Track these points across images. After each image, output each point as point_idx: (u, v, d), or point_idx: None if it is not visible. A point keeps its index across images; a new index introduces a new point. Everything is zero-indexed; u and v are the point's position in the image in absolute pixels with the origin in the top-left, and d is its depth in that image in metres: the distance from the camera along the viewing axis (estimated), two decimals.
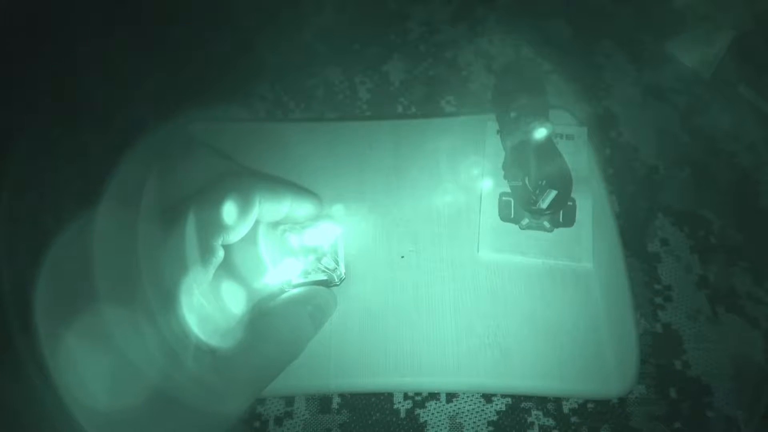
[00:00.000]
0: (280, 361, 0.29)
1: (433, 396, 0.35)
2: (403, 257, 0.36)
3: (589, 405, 0.35)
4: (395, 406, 0.35)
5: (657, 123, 0.45)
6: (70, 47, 0.45)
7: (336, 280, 0.33)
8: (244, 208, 0.28)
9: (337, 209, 0.37)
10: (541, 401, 0.35)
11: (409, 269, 0.36)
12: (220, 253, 0.27)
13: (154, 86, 0.44)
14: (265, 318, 0.29)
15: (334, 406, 0.35)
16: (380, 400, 0.35)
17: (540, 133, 0.35)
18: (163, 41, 0.46)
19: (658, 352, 0.36)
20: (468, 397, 0.35)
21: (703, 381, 0.35)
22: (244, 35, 0.49)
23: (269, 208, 0.30)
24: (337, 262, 0.33)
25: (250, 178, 0.29)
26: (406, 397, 0.35)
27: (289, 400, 0.35)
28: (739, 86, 0.46)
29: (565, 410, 0.35)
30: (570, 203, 0.36)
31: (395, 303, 0.35)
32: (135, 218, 0.26)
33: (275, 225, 0.33)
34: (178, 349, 0.24)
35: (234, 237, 0.28)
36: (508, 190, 0.37)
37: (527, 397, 0.35)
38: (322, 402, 0.35)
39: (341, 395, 0.35)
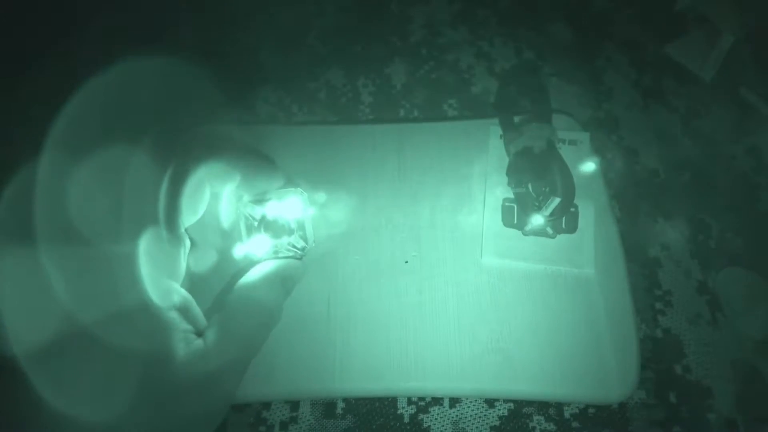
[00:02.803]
0: (261, 332, 0.30)
1: (437, 401, 0.35)
2: (407, 262, 0.37)
3: (590, 410, 0.35)
4: (399, 411, 0.35)
5: (658, 126, 0.45)
6: (71, 51, 0.44)
7: (304, 256, 0.33)
8: (195, 192, 0.28)
9: (319, 196, 0.37)
10: (542, 406, 0.35)
11: (412, 274, 0.36)
12: (188, 241, 0.27)
13: (156, 89, 0.44)
14: (242, 293, 0.29)
15: (339, 411, 0.35)
16: (384, 405, 0.35)
17: (544, 139, 0.35)
18: (164, 44, 0.46)
19: (658, 357, 0.36)
20: (471, 402, 0.35)
21: (704, 384, 0.36)
22: (245, 37, 0.48)
23: (221, 185, 0.30)
24: (306, 240, 0.33)
25: (198, 157, 0.29)
26: (409, 402, 0.35)
27: (294, 405, 0.35)
28: (739, 90, 0.46)
29: (566, 415, 0.35)
30: (572, 209, 0.36)
31: (399, 308, 0.35)
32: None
33: (239, 197, 0.32)
34: (170, 342, 0.25)
35: (192, 218, 0.28)
36: (512, 195, 0.37)
37: (529, 403, 0.35)
38: (326, 407, 0.35)
39: (345, 400, 0.35)
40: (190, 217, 0.28)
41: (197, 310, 0.28)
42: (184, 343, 0.25)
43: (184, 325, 0.26)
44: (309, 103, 0.46)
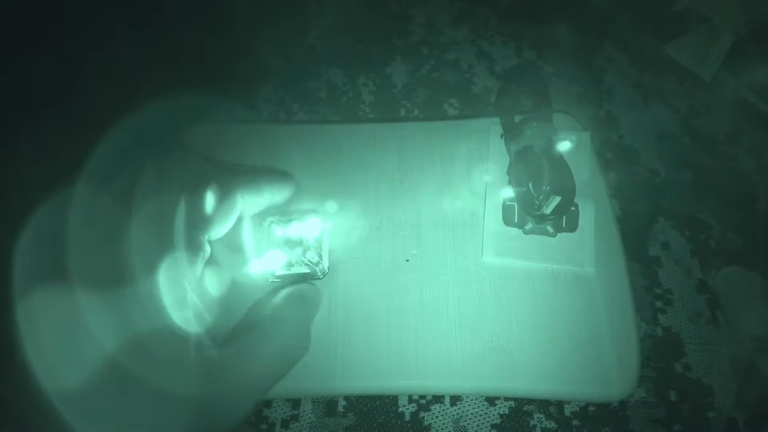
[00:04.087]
0: (287, 356, 0.30)
1: (438, 399, 0.35)
2: (407, 261, 0.37)
3: (591, 408, 0.35)
4: (400, 410, 0.35)
5: (658, 126, 0.45)
6: (72, 51, 0.45)
7: (319, 274, 0.34)
8: (227, 204, 0.28)
9: (330, 205, 0.37)
10: (543, 404, 0.35)
11: (413, 272, 0.36)
12: (207, 249, 0.27)
13: (157, 89, 0.44)
14: (267, 315, 0.29)
15: (340, 409, 0.35)
16: (385, 403, 0.35)
17: (544, 138, 0.35)
18: (166, 44, 0.46)
19: (658, 355, 0.37)
20: (472, 400, 0.35)
21: (704, 383, 0.36)
22: (247, 37, 0.49)
23: (250, 201, 0.30)
24: (320, 256, 0.34)
25: (230, 175, 0.30)
26: (410, 400, 0.35)
27: (295, 403, 0.35)
28: (739, 89, 0.46)
29: (567, 413, 0.35)
30: (573, 208, 0.36)
31: (400, 306, 0.35)
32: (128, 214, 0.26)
33: (262, 217, 0.33)
34: (180, 346, 0.24)
35: (219, 232, 0.28)
36: (512, 194, 0.37)
37: (530, 401, 0.35)
38: (327, 405, 0.35)
39: (347, 398, 0.35)
40: (217, 229, 0.28)
41: (206, 315, 0.28)
42: (195, 347, 0.25)
43: (196, 328, 0.26)
44: (310, 102, 0.46)
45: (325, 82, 0.47)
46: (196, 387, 0.25)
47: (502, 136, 0.40)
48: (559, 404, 0.35)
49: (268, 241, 0.33)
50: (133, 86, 0.44)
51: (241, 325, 0.30)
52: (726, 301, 0.38)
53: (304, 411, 0.35)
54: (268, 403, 0.35)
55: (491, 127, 0.40)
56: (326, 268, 0.34)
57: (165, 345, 0.24)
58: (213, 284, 0.31)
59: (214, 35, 0.48)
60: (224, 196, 0.28)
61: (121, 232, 0.25)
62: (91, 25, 0.46)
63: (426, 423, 0.35)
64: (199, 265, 0.27)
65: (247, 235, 0.33)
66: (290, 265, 0.33)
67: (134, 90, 0.44)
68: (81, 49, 0.44)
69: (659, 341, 0.37)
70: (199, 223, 0.27)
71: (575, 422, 0.35)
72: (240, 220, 0.31)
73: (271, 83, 0.47)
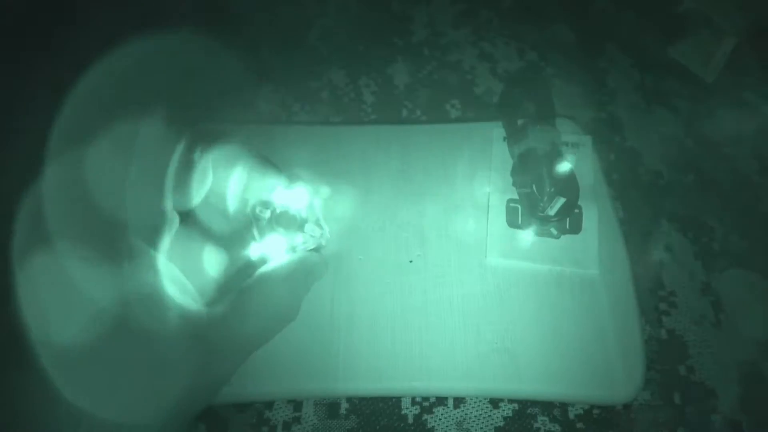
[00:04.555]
0: (273, 324, 0.29)
1: (441, 402, 0.35)
2: (411, 262, 0.36)
3: (595, 411, 0.35)
4: (403, 412, 0.35)
5: (661, 128, 0.45)
6: (71, 49, 0.44)
7: (324, 243, 0.32)
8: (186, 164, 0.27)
9: (324, 191, 0.37)
10: (547, 407, 0.35)
11: (417, 273, 0.36)
12: (175, 219, 0.27)
13: (157, 88, 0.44)
14: (262, 279, 0.29)
15: (342, 411, 0.35)
16: (388, 405, 0.35)
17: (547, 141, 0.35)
18: (165, 43, 0.46)
19: (662, 357, 0.36)
20: (475, 402, 0.35)
21: (708, 386, 0.36)
22: (247, 37, 0.48)
23: (254, 181, 0.30)
24: (320, 225, 0.32)
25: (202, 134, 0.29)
26: (413, 402, 0.35)
27: (297, 406, 0.35)
28: (742, 91, 0.46)
29: (571, 416, 0.35)
30: (576, 210, 0.36)
31: (403, 307, 0.35)
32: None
33: (245, 203, 0.32)
34: (161, 307, 0.24)
35: (186, 201, 0.27)
36: (516, 196, 0.37)
37: (533, 403, 0.35)
38: (330, 407, 0.35)
39: (349, 400, 0.35)
40: (184, 199, 0.28)
41: (183, 279, 0.27)
42: (178, 308, 0.24)
43: (174, 290, 0.25)
44: (311, 102, 0.46)
45: (327, 82, 0.47)
46: (185, 347, 0.24)
47: (505, 139, 0.39)
48: (563, 407, 0.35)
49: (260, 227, 0.31)
50: (133, 86, 0.44)
51: (228, 289, 0.29)
52: (731, 304, 0.38)
53: (306, 413, 0.35)
54: (269, 405, 0.35)
55: (494, 130, 0.40)
56: (328, 233, 0.33)
57: (147, 307, 0.24)
58: (212, 266, 0.31)
59: (213, 34, 0.48)
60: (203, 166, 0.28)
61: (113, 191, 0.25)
62: (91, 24, 0.45)
63: (429, 426, 0.34)
64: (166, 235, 0.27)
65: (231, 199, 0.32)
66: (293, 248, 0.32)
67: (134, 89, 0.43)
68: (80, 46, 0.44)
69: (663, 344, 0.37)
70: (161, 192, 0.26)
71: (579, 425, 0.34)
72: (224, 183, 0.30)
73: (272, 83, 0.46)
